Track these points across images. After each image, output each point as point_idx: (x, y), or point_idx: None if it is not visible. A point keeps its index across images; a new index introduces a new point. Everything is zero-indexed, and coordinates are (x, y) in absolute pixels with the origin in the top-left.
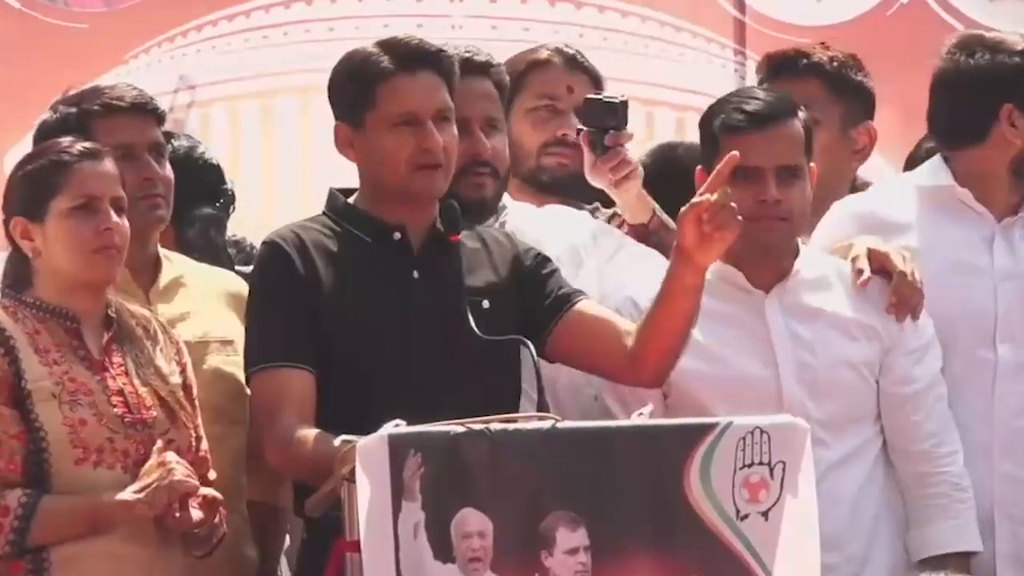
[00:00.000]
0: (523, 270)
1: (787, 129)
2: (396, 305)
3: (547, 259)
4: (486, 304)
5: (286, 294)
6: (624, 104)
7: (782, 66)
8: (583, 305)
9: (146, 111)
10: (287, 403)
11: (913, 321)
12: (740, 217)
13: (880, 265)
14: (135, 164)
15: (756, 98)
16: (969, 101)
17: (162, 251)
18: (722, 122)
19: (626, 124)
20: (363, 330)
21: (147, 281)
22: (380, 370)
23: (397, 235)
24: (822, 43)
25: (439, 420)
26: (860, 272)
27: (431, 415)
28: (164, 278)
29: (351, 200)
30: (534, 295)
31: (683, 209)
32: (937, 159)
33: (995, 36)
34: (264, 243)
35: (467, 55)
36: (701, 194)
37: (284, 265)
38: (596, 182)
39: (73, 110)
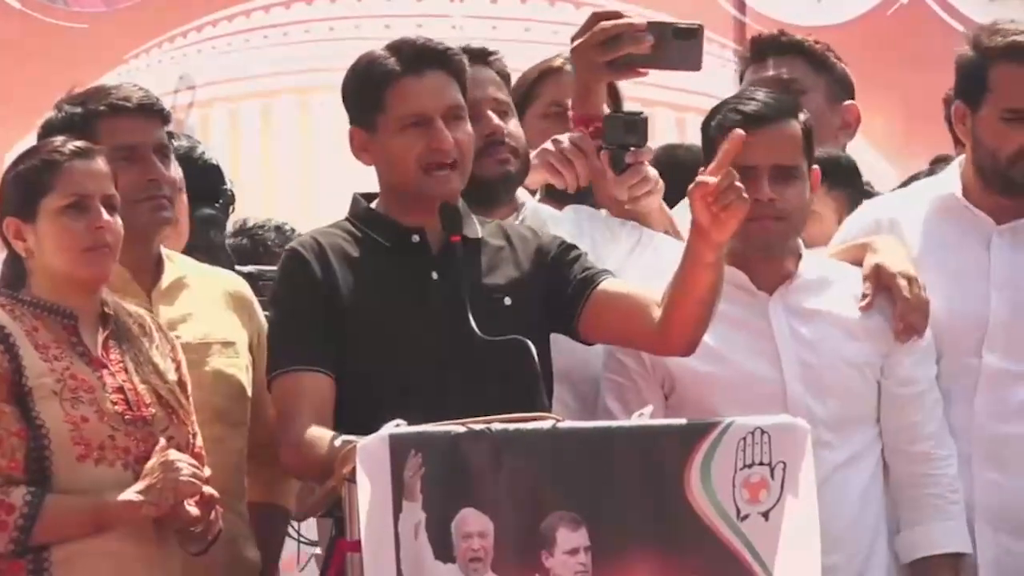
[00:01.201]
0: (547, 260)
1: (783, 129)
2: (415, 307)
3: (571, 246)
4: (508, 301)
5: (304, 300)
6: (645, 120)
7: (767, 46)
8: (607, 284)
9: (152, 112)
10: (302, 406)
11: (918, 338)
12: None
13: (886, 287)
14: (140, 165)
15: (754, 99)
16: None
17: (165, 251)
18: (718, 123)
19: (646, 140)
20: (381, 333)
21: (149, 282)
22: (398, 372)
23: (415, 238)
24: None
25: (457, 420)
26: (865, 296)
27: (450, 415)
28: (166, 279)
29: (373, 205)
30: (559, 282)
31: (690, 187)
32: (955, 163)
33: (981, 29)
34: (285, 250)
35: (464, 46)
36: (705, 174)
37: (302, 271)
38: (617, 197)
39: (78, 110)
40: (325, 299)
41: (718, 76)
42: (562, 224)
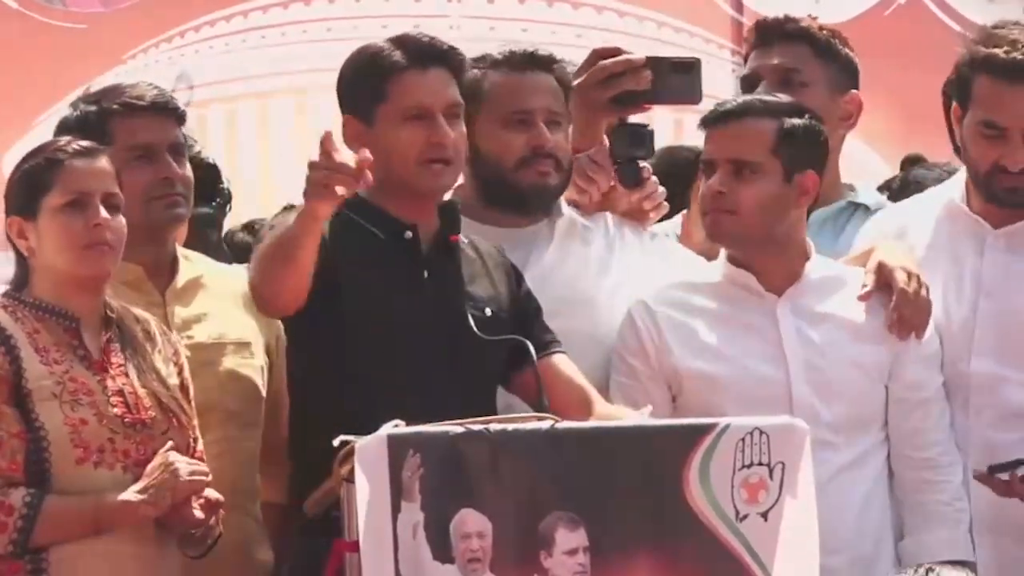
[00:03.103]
0: (517, 291)
1: (747, 125)
2: (407, 305)
3: (532, 295)
4: (488, 312)
5: None
6: (651, 133)
7: (772, 31)
8: (560, 359)
9: (166, 111)
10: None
11: (917, 337)
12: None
13: (886, 281)
14: (154, 164)
15: (736, 100)
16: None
17: (181, 251)
18: (700, 118)
19: (653, 152)
20: (375, 329)
21: (164, 281)
22: (389, 370)
23: (408, 234)
24: (810, 15)
25: (455, 420)
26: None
27: (438, 417)
28: (182, 278)
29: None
30: (522, 324)
31: None
32: (963, 171)
33: (979, 32)
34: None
35: (530, 51)
36: None
37: None
38: (619, 211)
39: (92, 108)
40: (323, 267)
41: (716, 77)
42: (594, 233)
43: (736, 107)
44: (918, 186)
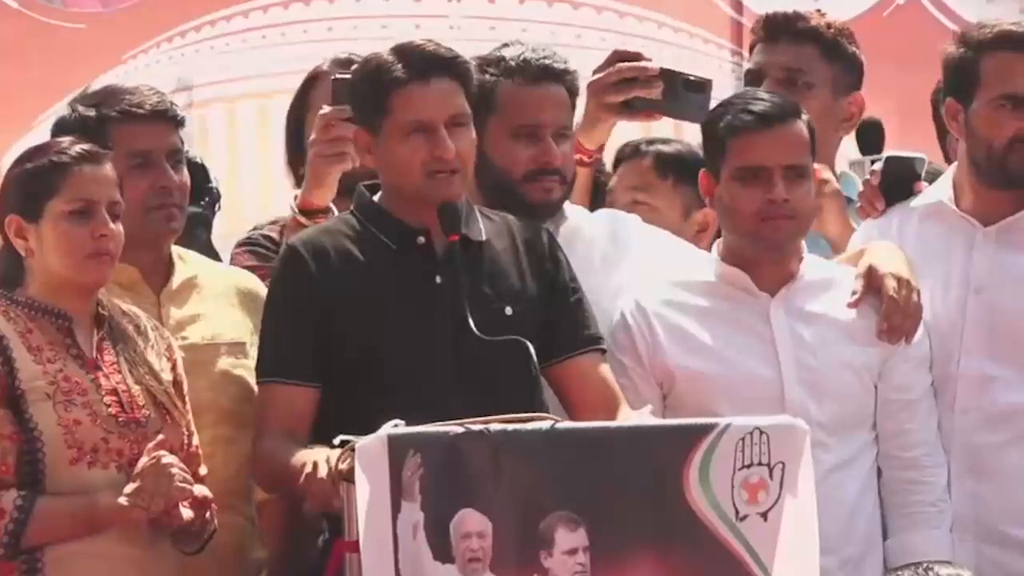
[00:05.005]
0: (553, 282)
1: (793, 129)
2: (419, 311)
3: (578, 285)
4: (508, 311)
5: (295, 306)
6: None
7: (781, 28)
8: (592, 359)
9: (165, 118)
10: (272, 421)
11: (906, 343)
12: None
13: (876, 287)
14: (152, 172)
15: (761, 99)
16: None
17: (176, 250)
18: (728, 124)
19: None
20: (383, 337)
21: (159, 282)
22: (400, 376)
23: (421, 239)
24: (818, 10)
25: (455, 420)
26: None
27: (443, 417)
28: (177, 279)
29: (376, 198)
30: (557, 317)
31: None
32: (949, 171)
33: (967, 27)
34: (285, 245)
35: (545, 61)
36: None
37: (298, 273)
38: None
39: (92, 113)
40: (319, 302)
41: (715, 76)
42: (599, 233)
43: (777, 110)
44: None
